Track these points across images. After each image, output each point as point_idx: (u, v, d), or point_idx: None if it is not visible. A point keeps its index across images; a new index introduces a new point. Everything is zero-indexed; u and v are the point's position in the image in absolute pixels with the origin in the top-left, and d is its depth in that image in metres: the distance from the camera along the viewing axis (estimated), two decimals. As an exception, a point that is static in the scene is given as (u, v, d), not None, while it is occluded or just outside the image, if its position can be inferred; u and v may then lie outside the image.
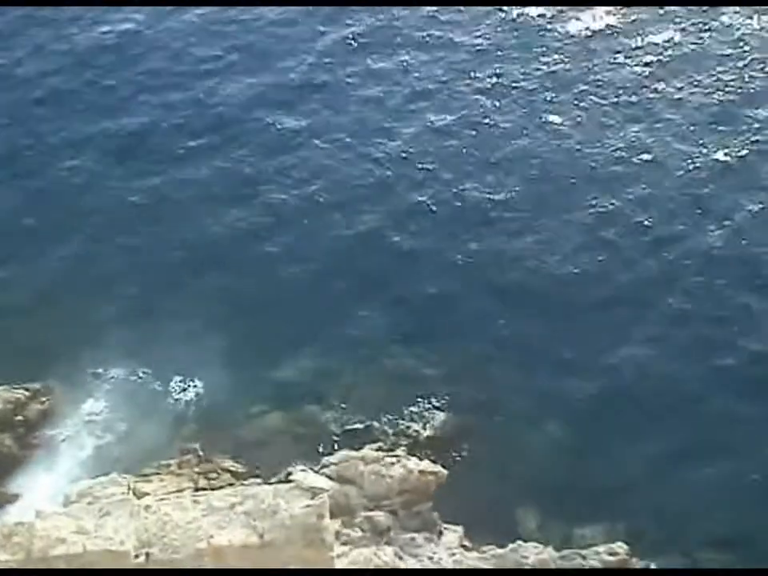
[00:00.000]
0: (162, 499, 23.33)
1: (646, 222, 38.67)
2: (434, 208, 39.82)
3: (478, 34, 48.08)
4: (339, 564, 25.30)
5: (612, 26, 48.20)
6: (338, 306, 36.09)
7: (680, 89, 44.34)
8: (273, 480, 28.48)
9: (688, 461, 31.42)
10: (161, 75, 46.40)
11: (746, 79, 44.34)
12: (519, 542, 28.15)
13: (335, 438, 31.75)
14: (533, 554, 27.67)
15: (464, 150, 42.10)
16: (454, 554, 27.97)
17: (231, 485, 28.09)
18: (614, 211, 39.07)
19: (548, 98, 44.34)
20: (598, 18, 48.47)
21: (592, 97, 44.31)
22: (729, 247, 37.31)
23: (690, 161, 40.78)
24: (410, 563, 27.48)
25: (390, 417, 32.43)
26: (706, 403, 33.04)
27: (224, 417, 32.66)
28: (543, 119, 43.35)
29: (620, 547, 28.23)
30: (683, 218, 38.68)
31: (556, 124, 43.00)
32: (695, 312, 35.48)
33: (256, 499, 22.37)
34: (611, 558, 27.84)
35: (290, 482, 26.62)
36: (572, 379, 33.84)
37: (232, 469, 30.45)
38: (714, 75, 44.93)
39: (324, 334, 35.07)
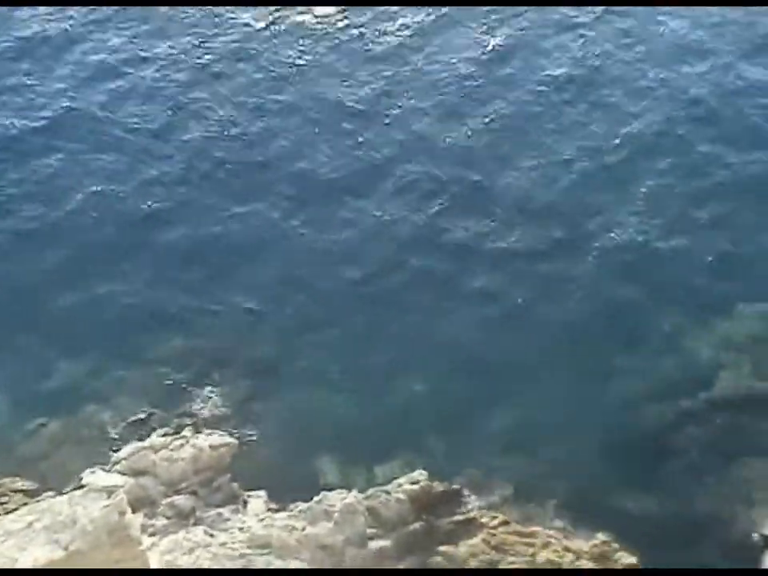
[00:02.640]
0: (-44, 536, 22.79)
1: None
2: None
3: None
4: (153, 555, 25.42)
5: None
6: (92, 303, 35.83)
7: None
8: (67, 489, 28.09)
9: (469, 376, 33.00)
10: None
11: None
12: (324, 493, 28.82)
13: (120, 434, 31.61)
14: (338, 500, 28.48)
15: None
16: (262, 519, 28.48)
17: (26, 504, 27.53)
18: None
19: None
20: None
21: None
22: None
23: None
24: (222, 538, 27.84)
25: (170, 400, 32.56)
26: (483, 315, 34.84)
27: (4, 437, 31.85)
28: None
29: (420, 474, 29.43)
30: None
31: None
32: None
33: (52, 512, 22.30)
34: (414, 487, 28.93)
35: (83, 487, 26.31)
36: (346, 328, 34.76)
37: (23, 488, 29.87)
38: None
39: (83, 332, 34.75)
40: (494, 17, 47.25)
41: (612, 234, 37.17)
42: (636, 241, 37.09)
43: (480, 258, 36.55)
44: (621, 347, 33.50)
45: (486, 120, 42.04)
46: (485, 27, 46.84)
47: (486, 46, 45.65)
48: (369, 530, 28.01)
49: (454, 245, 37.13)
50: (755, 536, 28.52)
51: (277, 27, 47.67)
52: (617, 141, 40.83)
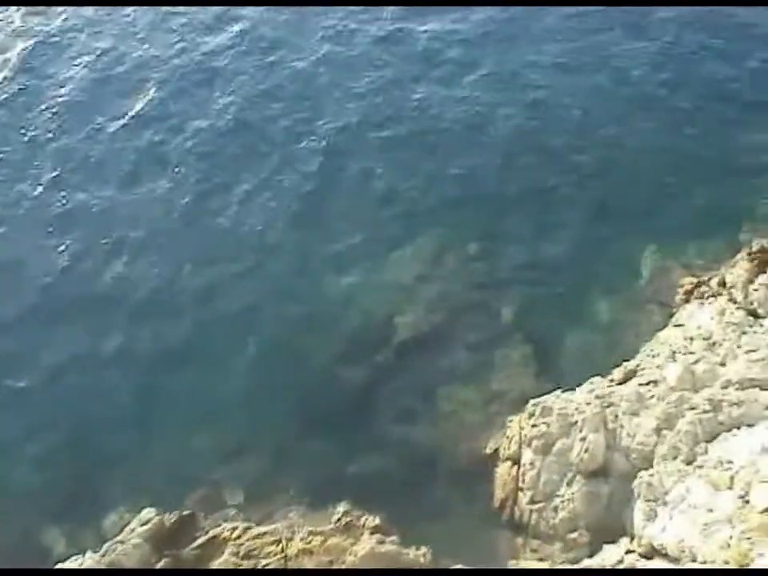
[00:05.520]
0: None
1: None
2: None
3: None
4: None
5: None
6: None
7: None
8: None
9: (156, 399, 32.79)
10: None
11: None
12: (59, 565, 27.95)
13: None
14: (76, 565, 27.54)
15: None
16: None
17: None
18: None
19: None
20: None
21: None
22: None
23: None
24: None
25: None
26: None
27: None
28: None
29: (149, 512, 29.16)
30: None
31: None
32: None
33: None
34: (147, 527, 28.61)
35: None
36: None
37: None
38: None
39: None
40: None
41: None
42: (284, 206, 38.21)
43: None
44: (293, 324, 34.22)
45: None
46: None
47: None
48: (117, 586, 27.38)
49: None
50: (482, 455, 30.06)
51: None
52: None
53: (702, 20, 43.88)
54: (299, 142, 40.67)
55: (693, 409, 26.46)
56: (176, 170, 40.03)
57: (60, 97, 44.47)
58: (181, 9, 49.18)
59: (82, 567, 27.44)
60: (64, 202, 39.43)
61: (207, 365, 33.18)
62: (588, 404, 28.28)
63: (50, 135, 42.43)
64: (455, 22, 45.76)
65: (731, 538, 21.84)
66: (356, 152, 40.00)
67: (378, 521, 28.66)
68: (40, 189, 40.14)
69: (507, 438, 29.69)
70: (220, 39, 46.76)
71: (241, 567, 27.78)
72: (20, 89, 45.29)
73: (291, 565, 27.67)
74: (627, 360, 30.15)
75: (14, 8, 49.97)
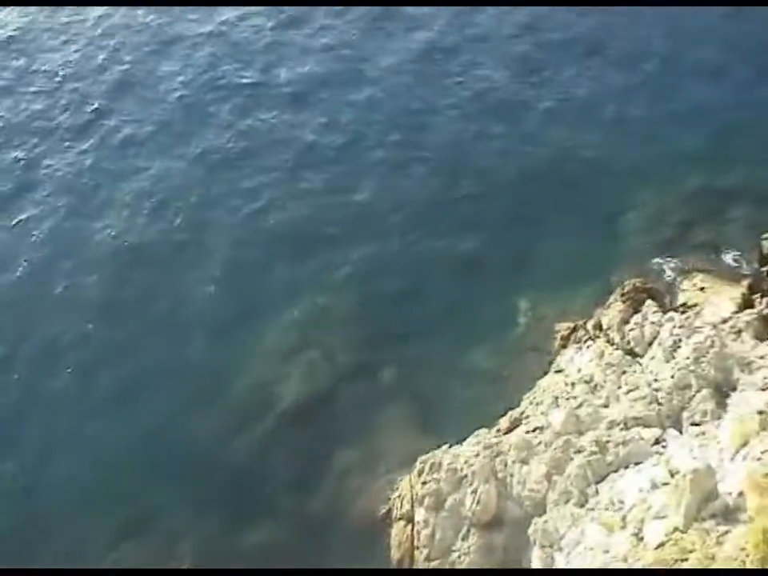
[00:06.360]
0: None
1: None
2: None
3: None
4: None
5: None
6: None
7: None
8: None
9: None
10: None
11: None
12: None
13: None
14: None
15: None
16: None
17: None
18: None
19: None
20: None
21: None
22: None
23: None
24: None
25: None
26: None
27: None
28: None
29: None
30: None
31: None
32: None
33: None
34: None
35: None
36: None
37: None
38: None
39: None
40: None
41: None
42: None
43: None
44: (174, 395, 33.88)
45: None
46: None
47: None
48: None
49: None
50: (375, 516, 29.83)
51: None
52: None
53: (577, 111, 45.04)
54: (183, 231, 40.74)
55: (580, 452, 26.71)
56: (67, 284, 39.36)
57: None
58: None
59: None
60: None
61: (96, 447, 32.54)
62: (476, 456, 28.32)
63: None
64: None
65: (628, 577, 21.94)
66: (235, 227, 40.30)
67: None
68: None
69: (399, 497, 29.54)
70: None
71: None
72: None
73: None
74: (512, 409, 30.35)
75: None
